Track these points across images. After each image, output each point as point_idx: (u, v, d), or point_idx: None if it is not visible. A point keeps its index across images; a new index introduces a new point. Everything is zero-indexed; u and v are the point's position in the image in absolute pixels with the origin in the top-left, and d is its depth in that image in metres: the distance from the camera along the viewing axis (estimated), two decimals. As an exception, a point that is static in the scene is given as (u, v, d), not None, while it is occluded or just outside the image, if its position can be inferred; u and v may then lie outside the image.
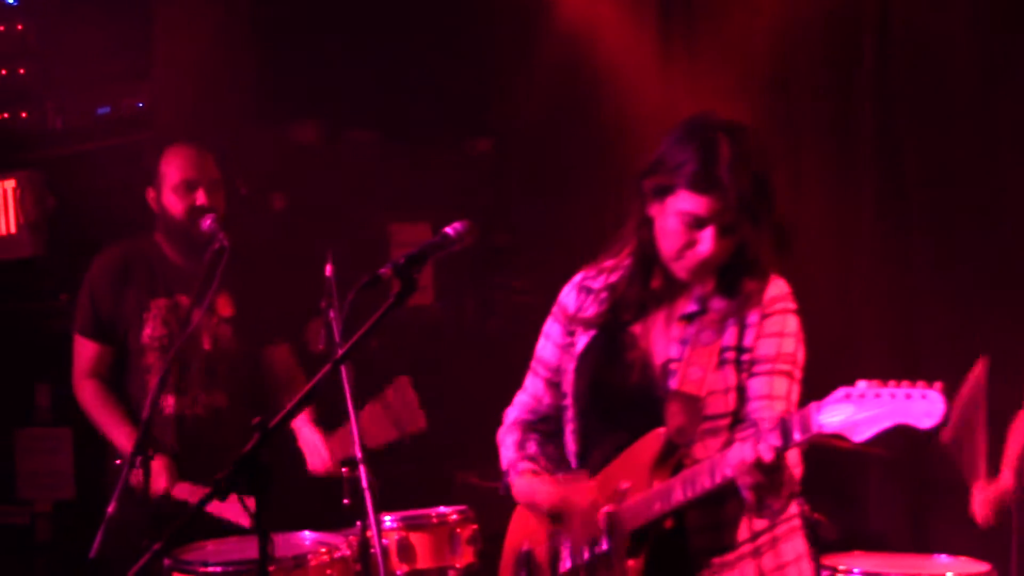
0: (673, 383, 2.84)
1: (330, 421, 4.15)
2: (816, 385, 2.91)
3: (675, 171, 2.78)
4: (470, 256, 6.29)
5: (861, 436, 2.40)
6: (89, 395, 4.44)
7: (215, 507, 3.85)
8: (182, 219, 4.36)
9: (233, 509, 3.90)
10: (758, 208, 2.77)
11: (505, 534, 3.25)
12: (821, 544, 3.70)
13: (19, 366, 6.08)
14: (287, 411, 2.66)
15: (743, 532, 2.87)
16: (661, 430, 2.81)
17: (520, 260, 6.65)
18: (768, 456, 2.52)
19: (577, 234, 5.91)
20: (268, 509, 2.60)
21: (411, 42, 6.29)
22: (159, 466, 4.17)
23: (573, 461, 3.07)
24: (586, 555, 2.92)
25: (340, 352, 2.79)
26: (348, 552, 3.92)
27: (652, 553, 2.81)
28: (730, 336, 2.86)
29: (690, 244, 2.80)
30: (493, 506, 4.19)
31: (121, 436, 4.25)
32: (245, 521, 3.88)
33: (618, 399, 2.95)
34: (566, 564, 2.98)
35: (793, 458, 2.70)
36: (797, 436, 2.50)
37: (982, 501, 3.96)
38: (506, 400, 3.30)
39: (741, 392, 2.84)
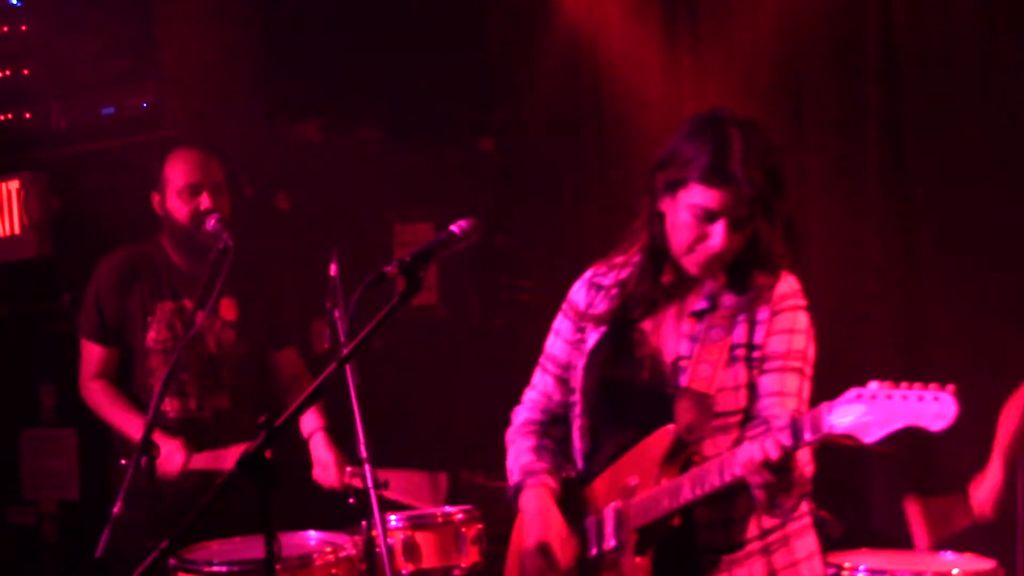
0: (683, 380, 2.84)
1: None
2: (822, 383, 2.92)
3: (687, 165, 2.79)
4: (474, 256, 6.34)
5: (872, 437, 2.40)
6: (97, 394, 4.45)
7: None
8: (186, 223, 4.37)
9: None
10: (770, 202, 2.78)
11: (510, 533, 3.25)
12: (827, 541, 3.70)
13: (24, 367, 6.08)
14: (293, 410, 2.66)
15: (752, 529, 2.87)
16: (671, 427, 2.81)
17: (525, 260, 6.64)
18: (775, 454, 2.52)
19: (582, 234, 5.92)
20: (274, 508, 2.59)
21: (415, 42, 6.28)
22: (174, 446, 4.18)
23: (580, 459, 3.07)
24: (593, 552, 2.92)
25: (345, 351, 2.80)
26: (353, 551, 3.92)
27: (660, 550, 2.81)
28: (740, 333, 2.86)
29: (701, 238, 2.81)
30: (498, 506, 4.20)
31: (133, 428, 4.25)
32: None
33: (628, 396, 2.95)
34: (573, 562, 2.97)
35: (804, 457, 2.70)
36: (808, 436, 2.50)
37: (980, 498, 3.95)
38: (511, 399, 3.30)
39: (752, 389, 2.85)
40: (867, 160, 5.21)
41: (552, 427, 3.16)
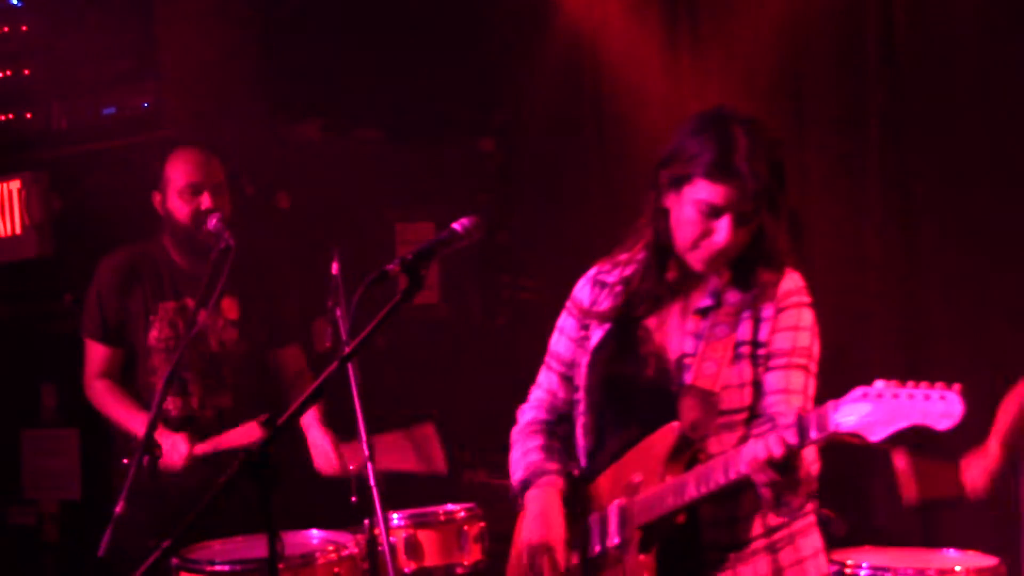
0: (687, 378, 2.84)
1: (348, 429, 4.13)
2: (824, 381, 2.92)
3: (692, 161, 2.80)
4: (476, 255, 6.34)
5: (878, 436, 2.40)
6: (100, 392, 4.45)
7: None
8: (187, 223, 4.37)
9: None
10: (775, 197, 2.79)
11: (512, 531, 3.24)
12: (830, 539, 3.70)
13: (25, 367, 6.09)
14: (295, 409, 2.66)
15: (758, 527, 2.87)
16: (675, 424, 2.81)
17: (526, 259, 6.64)
18: (778, 450, 2.52)
19: (583, 232, 5.92)
20: (276, 507, 2.59)
21: (416, 41, 6.29)
22: (177, 438, 4.19)
23: (583, 456, 3.07)
24: (597, 549, 2.92)
25: (347, 349, 2.79)
26: (356, 550, 3.92)
27: (664, 547, 2.81)
28: (745, 330, 2.86)
29: (706, 234, 2.81)
30: (501, 504, 4.20)
31: (137, 425, 4.24)
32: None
33: (632, 393, 2.95)
34: (576, 558, 2.97)
35: (810, 455, 2.69)
36: (814, 434, 2.50)
37: (973, 475, 3.92)
38: (513, 398, 3.29)
39: (757, 387, 2.85)
40: (868, 159, 5.21)
41: (558, 426, 3.16)
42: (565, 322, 3.15)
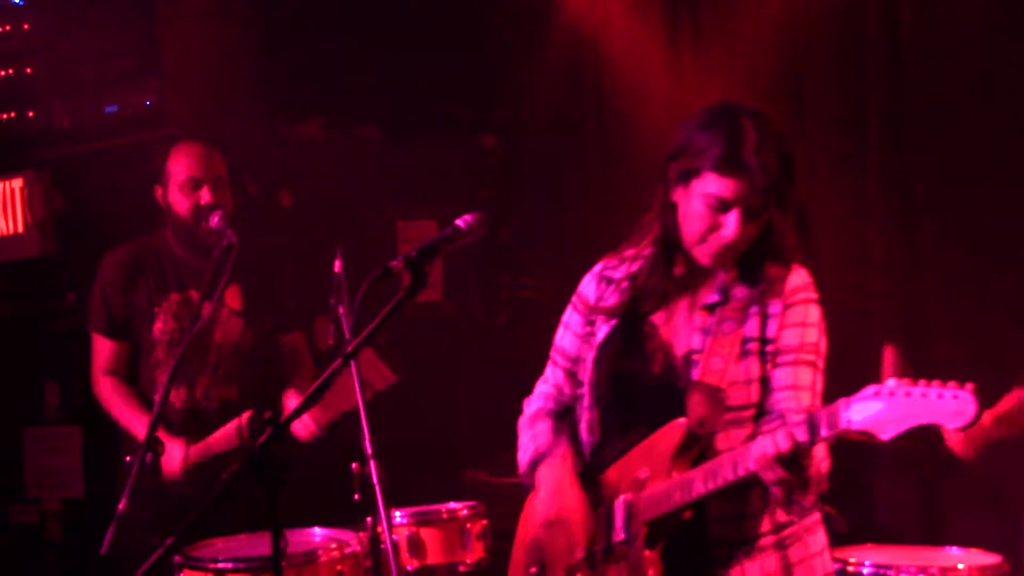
0: (695, 374, 2.84)
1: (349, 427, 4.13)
2: (828, 377, 2.92)
3: (700, 154, 2.80)
4: (478, 253, 6.34)
5: (889, 434, 2.40)
6: (107, 391, 4.46)
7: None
8: (187, 217, 4.38)
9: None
10: (783, 192, 2.79)
11: (515, 530, 3.25)
12: (832, 537, 3.70)
13: (28, 365, 6.10)
14: (299, 407, 2.66)
15: (766, 524, 2.87)
16: (682, 420, 2.81)
17: (528, 257, 6.64)
18: (785, 444, 2.52)
19: (584, 230, 5.91)
20: (280, 504, 2.60)
21: (418, 39, 6.29)
22: (175, 445, 4.19)
23: (587, 452, 3.07)
24: (602, 544, 2.92)
25: (351, 346, 2.79)
26: (358, 548, 3.92)
27: (670, 544, 2.81)
28: (752, 326, 2.86)
29: (714, 228, 2.81)
30: (503, 501, 4.20)
31: (140, 428, 4.25)
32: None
33: (638, 389, 2.95)
34: (581, 552, 2.97)
35: (820, 452, 2.69)
36: (824, 432, 2.50)
37: (959, 436, 3.87)
38: (514, 396, 3.30)
39: (764, 383, 2.84)
40: (869, 158, 5.21)
41: (565, 417, 3.17)
42: (570, 318, 3.15)
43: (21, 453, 6.14)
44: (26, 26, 6.01)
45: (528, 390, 3.28)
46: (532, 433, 3.15)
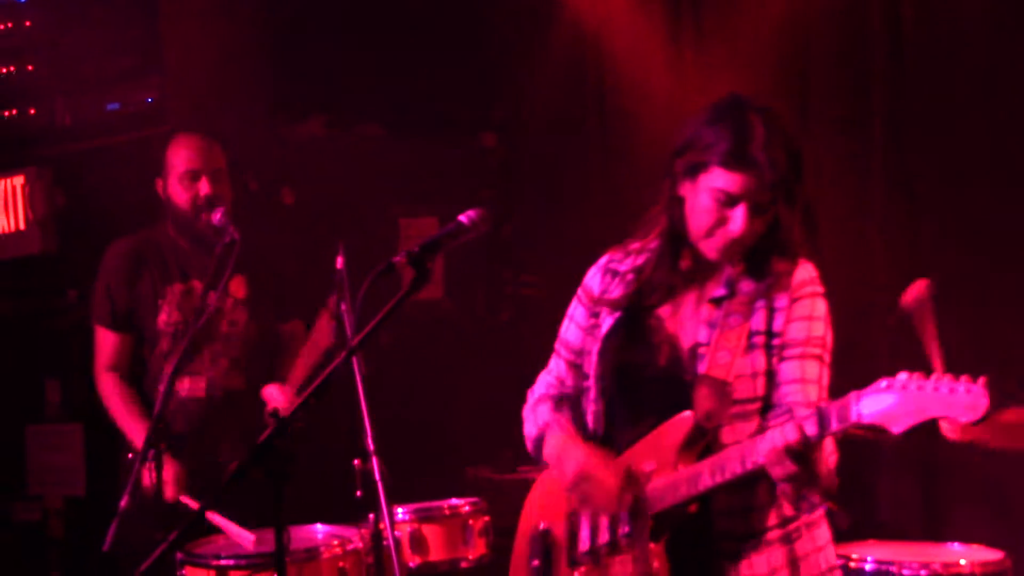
0: (701, 367, 2.84)
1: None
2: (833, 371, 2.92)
3: (708, 149, 2.79)
4: (480, 250, 6.34)
5: (900, 427, 2.39)
6: (109, 389, 4.45)
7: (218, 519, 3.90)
8: (187, 208, 4.39)
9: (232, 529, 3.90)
10: (791, 187, 2.79)
11: (517, 525, 3.25)
12: (834, 532, 3.71)
13: (29, 362, 6.10)
14: (301, 402, 2.66)
15: (773, 518, 2.86)
16: (688, 414, 2.80)
17: (529, 254, 6.65)
18: (793, 436, 2.52)
19: (585, 229, 5.91)
20: (284, 500, 2.60)
21: (418, 38, 6.29)
22: (169, 474, 4.13)
23: (593, 444, 3.06)
24: (606, 536, 2.93)
25: (354, 342, 2.79)
26: (361, 544, 3.92)
27: (675, 536, 2.81)
28: (759, 320, 2.86)
29: (721, 222, 2.81)
30: (505, 498, 4.20)
31: (137, 433, 4.25)
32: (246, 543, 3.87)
33: (643, 382, 2.95)
34: (585, 544, 2.97)
35: (828, 447, 2.69)
36: (834, 425, 2.50)
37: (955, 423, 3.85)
38: (517, 392, 3.30)
39: (770, 377, 2.84)
40: (872, 158, 5.21)
41: (564, 402, 3.17)
42: (575, 310, 3.15)
43: (23, 451, 6.15)
44: (28, 23, 6.01)
45: (529, 386, 3.28)
46: (534, 417, 3.16)
